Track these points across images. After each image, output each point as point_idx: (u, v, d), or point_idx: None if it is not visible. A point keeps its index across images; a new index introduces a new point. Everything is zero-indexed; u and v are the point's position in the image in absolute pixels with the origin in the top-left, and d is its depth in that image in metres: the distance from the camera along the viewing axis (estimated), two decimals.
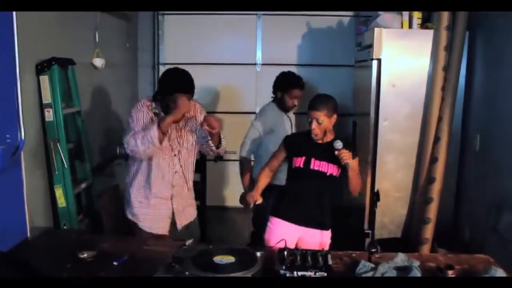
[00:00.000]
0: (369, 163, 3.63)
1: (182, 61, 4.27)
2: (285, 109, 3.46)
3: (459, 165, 3.65)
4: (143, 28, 4.87)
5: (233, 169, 4.41)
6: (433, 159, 3.43)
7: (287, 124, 3.51)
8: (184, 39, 4.87)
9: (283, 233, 2.53)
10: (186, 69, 2.62)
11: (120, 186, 3.73)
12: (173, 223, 2.73)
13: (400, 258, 2.16)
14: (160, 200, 2.69)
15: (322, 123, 2.55)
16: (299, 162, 2.63)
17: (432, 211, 3.41)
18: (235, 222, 4.73)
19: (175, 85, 2.53)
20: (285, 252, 2.06)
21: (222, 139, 2.67)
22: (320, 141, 2.62)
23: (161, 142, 2.47)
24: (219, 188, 4.98)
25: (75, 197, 3.01)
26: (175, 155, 2.67)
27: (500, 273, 1.98)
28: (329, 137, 2.64)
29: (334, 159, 2.57)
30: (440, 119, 3.41)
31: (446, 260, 2.24)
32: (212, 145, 2.63)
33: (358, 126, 4.03)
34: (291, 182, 2.72)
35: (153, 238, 2.64)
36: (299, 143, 2.70)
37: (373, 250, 2.12)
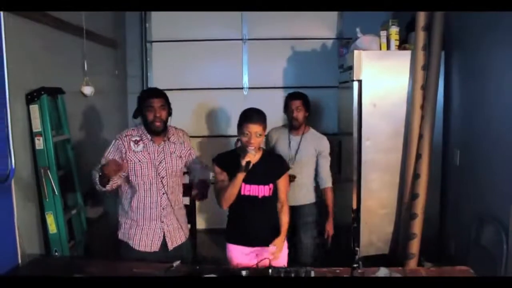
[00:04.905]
0: (354, 182, 3.68)
1: (170, 86, 4.32)
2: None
3: (441, 180, 3.72)
4: (131, 56, 4.97)
5: None
6: (416, 176, 3.50)
7: None
8: (172, 66, 4.95)
9: (240, 257, 2.64)
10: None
11: (110, 213, 3.76)
12: (164, 244, 2.78)
13: (383, 272, 2.23)
14: (149, 221, 2.76)
15: (260, 137, 2.50)
16: None
17: (417, 226, 3.47)
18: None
19: (143, 92, 2.80)
20: (270, 271, 2.12)
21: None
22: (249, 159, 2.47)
23: (105, 185, 2.62)
24: (213, 210, 4.89)
25: (66, 224, 3.04)
26: (162, 177, 2.75)
27: None
28: (259, 154, 2.61)
29: (266, 180, 2.60)
30: (421, 137, 3.49)
31: (428, 273, 2.31)
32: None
33: (343, 146, 4.11)
34: (229, 208, 2.67)
35: (142, 260, 2.67)
36: (229, 165, 2.58)
37: (355, 265, 2.18)
